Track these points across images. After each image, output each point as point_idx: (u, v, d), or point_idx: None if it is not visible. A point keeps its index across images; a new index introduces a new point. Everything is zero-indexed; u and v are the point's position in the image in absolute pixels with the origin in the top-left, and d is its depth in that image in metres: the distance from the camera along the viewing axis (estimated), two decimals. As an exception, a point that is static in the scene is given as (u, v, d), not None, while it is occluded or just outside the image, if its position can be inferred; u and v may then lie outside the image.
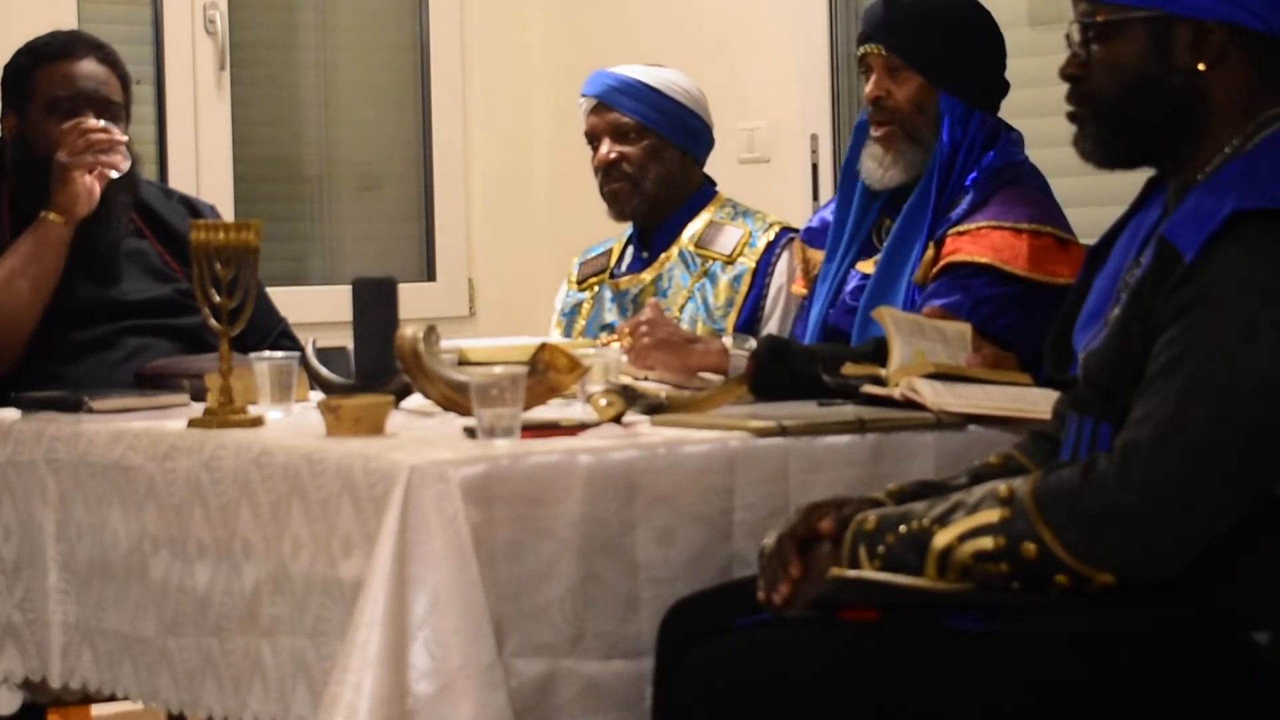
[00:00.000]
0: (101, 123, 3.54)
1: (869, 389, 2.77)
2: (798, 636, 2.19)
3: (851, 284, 3.39)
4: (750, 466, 2.49)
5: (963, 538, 2.12)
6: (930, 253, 3.23)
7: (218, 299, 2.76)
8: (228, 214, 4.75)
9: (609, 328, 3.80)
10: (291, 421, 2.74)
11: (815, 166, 4.79)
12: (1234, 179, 2.15)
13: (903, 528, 2.17)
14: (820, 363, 2.87)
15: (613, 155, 3.83)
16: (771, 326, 3.71)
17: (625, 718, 2.37)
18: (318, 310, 4.22)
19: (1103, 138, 2.29)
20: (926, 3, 3.33)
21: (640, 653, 2.38)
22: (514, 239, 5.45)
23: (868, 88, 3.35)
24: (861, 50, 3.36)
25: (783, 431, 2.53)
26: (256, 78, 5.15)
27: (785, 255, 3.75)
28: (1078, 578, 2.08)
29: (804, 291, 3.56)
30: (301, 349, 3.01)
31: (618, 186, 3.84)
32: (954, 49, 3.31)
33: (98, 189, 3.51)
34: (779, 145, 4.88)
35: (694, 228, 3.86)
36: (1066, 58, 2.30)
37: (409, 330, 2.67)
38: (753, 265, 3.77)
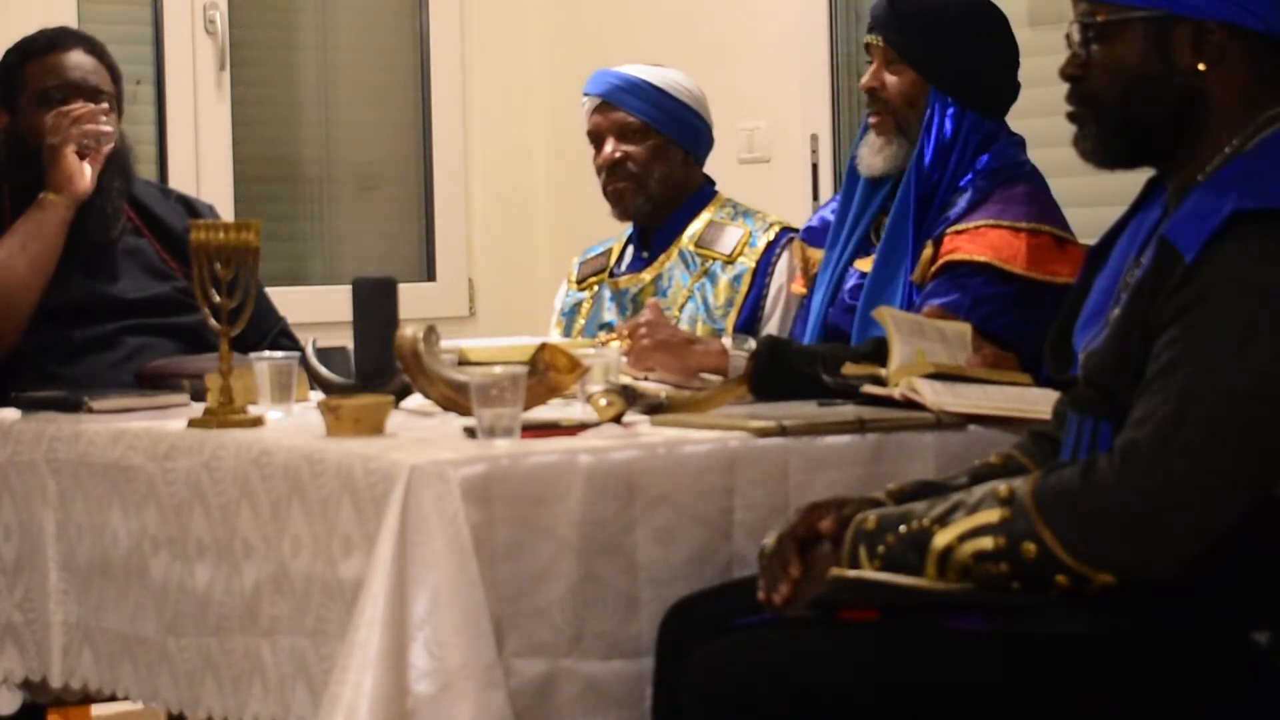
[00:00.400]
0: (81, 101, 3.54)
1: (869, 389, 2.77)
2: (798, 636, 2.19)
3: (850, 282, 3.39)
4: (750, 466, 2.48)
5: (963, 538, 2.12)
6: (929, 251, 3.23)
7: (218, 299, 2.76)
8: (227, 214, 4.75)
9: (608, 327, 3.79)
10: (291, 421, 2.74)
11: (815, 166, 4.79)
12: (1234, 179, 2.15)
13: (903, 528, 2.17)
14: (820, 363, 2.87)
15: (617, 155, 3.83)
16: (771, 326, 3.71)
17: (625, 718, 2.37)
18: (317, 310, 4.22)
19: (1103, 138, 2.28)
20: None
21: (640, 653, 2.38)
22: (514, 239, 5.45)
23: (865, 76, 3.37)
24: (867, 39, 3.39)
25: (783, 431, 2.53)
26: (256, 78, 5.14)
27: (785, 255, 3.75)
28: (1078, 578, 2.08)
29: (804, 291, 3.56)
30: (301, 348, 3.01)
31: (622, 186, 3.84)
32: (952, 48, 3.30)
33: (89, 169, 3.51)
34: (779, 145, 4.87)
35: (694, 227, 3.86)
36: (1066, 58, 2.30)
37: (409, 330, 2.67)
38: (753, 265, 3.77)
